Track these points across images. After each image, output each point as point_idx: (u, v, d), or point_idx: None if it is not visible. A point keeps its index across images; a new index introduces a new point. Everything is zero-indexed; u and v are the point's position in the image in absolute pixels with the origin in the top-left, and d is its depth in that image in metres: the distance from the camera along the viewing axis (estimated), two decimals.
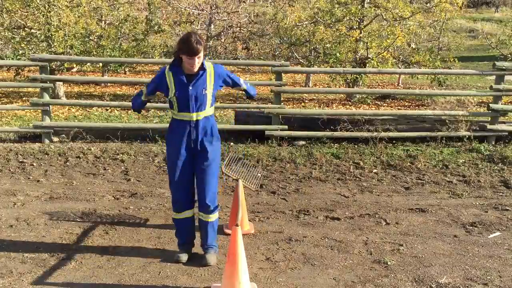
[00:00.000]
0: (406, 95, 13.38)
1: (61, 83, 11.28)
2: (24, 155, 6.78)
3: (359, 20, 12.47)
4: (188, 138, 3.69)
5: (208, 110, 3.70)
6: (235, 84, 3.93)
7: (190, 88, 3.58)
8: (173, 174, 3.76)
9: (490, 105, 7.97)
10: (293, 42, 13.29)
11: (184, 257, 3.84)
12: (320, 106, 12.12)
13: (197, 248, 4.00)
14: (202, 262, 3.79)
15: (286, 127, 7.65)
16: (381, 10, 12.00)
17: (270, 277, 3.64)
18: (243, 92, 4.11)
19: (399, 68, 12.77)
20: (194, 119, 3.64)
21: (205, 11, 14.70)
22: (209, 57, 13.58)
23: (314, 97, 13.75)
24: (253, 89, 4.15)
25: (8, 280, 3.51)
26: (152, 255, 3.97)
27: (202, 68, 3.60)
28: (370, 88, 15.06)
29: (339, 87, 12.40)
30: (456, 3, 12.34)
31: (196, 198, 3.89)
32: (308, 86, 14.94)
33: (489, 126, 7.88)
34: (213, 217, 3.83)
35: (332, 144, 7.56)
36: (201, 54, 3.50)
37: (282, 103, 7.86)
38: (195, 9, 14.56)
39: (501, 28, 18.97)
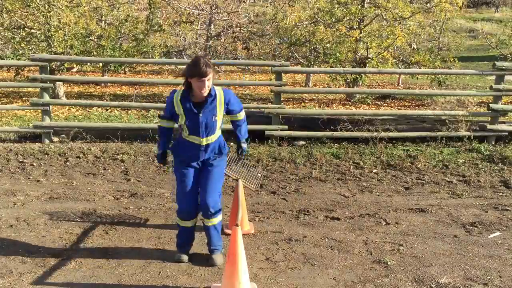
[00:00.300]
0: (406, 95, 13.38)
1: (61, 83, 11.29)
2: (24, 155, 6.78)
3: (359, 20, 12.47)
4: (197, 157, 3.73)
5: (217, 133, 3.74)
6: (233, 112, 3.83)
7: (200, 115, 3.58)
8: (180, 185, 3.78)
9: (490, 105, 7.97)
10: (293, 42, 13.28)
11: (185, 257, 3.87)
12: (320, 106, 12.12)
13: (197, 248, 4.00)
14: (209, 262, 3.81)
15: (286, 127, 7.65)
16: (381, 10, 11.99)
17: (270, 277, 3.64)
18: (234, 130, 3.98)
19: (399, 68, 12.77)
20: (204, 143, 3.69)
21: (205, 11, 14.70)
22: (209, 57, 13.57)
23: (314, 97, 13.75)
24: (245, 132, 4.01)
25: (8, 280, 3.51)
26: (152, 255, 3.97)
27: (211, 94, 3.58)
28: (370, 88, 15.06)
29: (339, 87, 12.40)
30: (456, 3, 12.33)
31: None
32: (308, 86, 14.94)
33: (489, 126, 7.89)
34: (215, 220, 3.83)
35: (332, 144, 7.56)
36: (211, 77, 3.48)
37: (282, 103, 7.86)
38: (195, 9, 14.56)
39: (501, 28, 18.97)
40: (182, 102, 3.59)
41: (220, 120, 3.69)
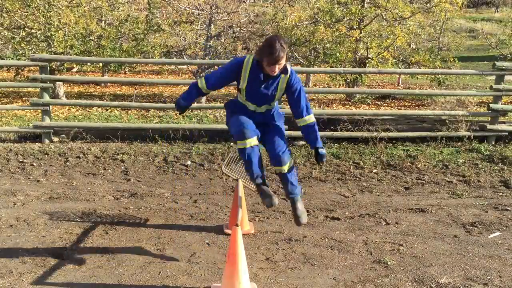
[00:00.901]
0: (406, 95, 13.39)
1: (61, 83, 11.29)
2: (24, 155, 6.78)
3: (359, 20, 12.47)
4: (252, 117, 3.71)
5: (273, 105, 3.77)
6: (296, 106, 3.65)
7: (262, 87, 3.60)
8: (236, 115, 3.68)
9: (490, 105, 7.97)
10: (293, 42, 13.29)
11: (275, 199, 3.64)
12: (320, 106, 12.12)
13: (198, 248, 3.99)
14: (293, 212, 3.76)
15: (286, 127, 7.63)
16: (381, 10, 12.00)
17: (270, 277, 3.64)
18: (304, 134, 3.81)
19: (399, 68, 12.77)
20: (258, 111, 3.73)
21: (205, 11, 14.69)
22: (209, 57, 13.57)
23: (314, 97, 13.75)
24: (318, 138, 3.76)
25: (8, 280, 3.51)
26: (152, 255, 3.97)
27: (283, 71, 3.52)
28: (370, 88, 15.06)
29: (339, 87, 12.40)
30: (456, 3, 12.34)
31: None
32: (308, 86, 14.95)
33: (489, 126, 7.88)
34: (287, 167, 3.69)
35: (332, 144, 7.56)
36: (283, 61, 3.43)
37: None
38: (195, 9, 14.55)
39: (501, 28, 18.97)
40: (252, 67, 3.54)
41: (278, 95, 3.64)
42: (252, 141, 3.59)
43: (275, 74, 3.50)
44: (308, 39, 12.89)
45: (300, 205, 3.79)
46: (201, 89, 3.70)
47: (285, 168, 3.71)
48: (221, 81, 3.70)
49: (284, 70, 3.51)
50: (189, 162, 6.63)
